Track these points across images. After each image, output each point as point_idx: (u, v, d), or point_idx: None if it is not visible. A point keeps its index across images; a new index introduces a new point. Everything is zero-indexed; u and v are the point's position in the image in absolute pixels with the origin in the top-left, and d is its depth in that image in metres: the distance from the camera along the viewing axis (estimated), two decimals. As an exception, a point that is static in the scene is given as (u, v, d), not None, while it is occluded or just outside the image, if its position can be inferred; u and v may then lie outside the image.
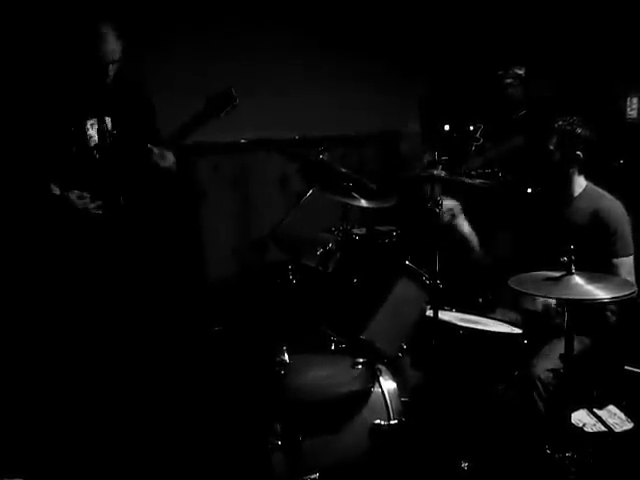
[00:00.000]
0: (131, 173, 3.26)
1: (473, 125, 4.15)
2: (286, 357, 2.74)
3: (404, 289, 2.90)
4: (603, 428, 2.77)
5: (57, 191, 3.18)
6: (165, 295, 3.78)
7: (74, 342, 3.23)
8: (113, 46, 3.15)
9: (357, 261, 3.13)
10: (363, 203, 3.18)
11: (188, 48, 4.55)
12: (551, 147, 3.03)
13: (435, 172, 3.02)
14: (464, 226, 3.31)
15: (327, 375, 2.78)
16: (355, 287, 2.99)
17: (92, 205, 3.19)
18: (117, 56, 3.17)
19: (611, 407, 2.88)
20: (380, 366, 2.81)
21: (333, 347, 3.01)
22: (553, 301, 2.93)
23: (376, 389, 2.74)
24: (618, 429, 2.77)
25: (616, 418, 2.82)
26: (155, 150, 3.22)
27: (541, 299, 2.98)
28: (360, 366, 2.77)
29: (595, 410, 2.84)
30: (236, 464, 2.94)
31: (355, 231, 3.66)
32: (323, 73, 5.21)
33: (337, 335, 3.00)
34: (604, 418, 2.81)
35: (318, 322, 3.10)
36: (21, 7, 3.75)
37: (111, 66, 3.16)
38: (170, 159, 3.28)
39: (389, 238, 3.78)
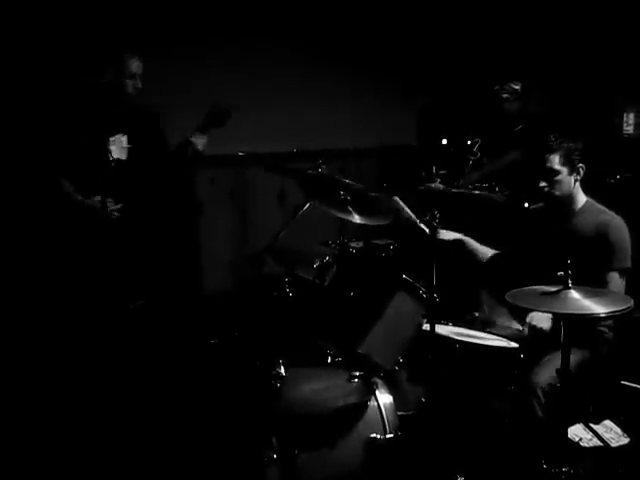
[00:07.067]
0: (143, 182, 3.61)
1: (471, 139, 4.15)
2: (282, 370, 2.74)
3: (401, 303, 2.89)
4: (599, 443, 2.75)
5: (79, 196, 3.48)
6: (162, 307, 3.78)
7: (73, 346, 3.25)
8: (135, 65, 3.54)
9: (354, 274, 3.13)
10: (357, 219, 3.16)
11: (188, 62, 4.58)
12: (556, 167, 3.03)
13: (433, 185, 3.02)
14: (474, 245, 3.34)
15: (323, 388, 2.77)
16: (352, 300, 2.99)
17: (114, 207, 3.47)
18: (137, 71, 3.54)
19: (607, 422, 2.87)
20: (376, 380, 2.80)
21: (329, 360, 3.01)
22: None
23: (372, 403, 2.72)
24: (614, 444, 2.76)
25: (612, 433, 2.82)
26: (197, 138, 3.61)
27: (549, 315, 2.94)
28: (356, 379, 2.76)
29: (591, 425, 2.83)
30: (231, 477, 2.93)
31: (352, 244, 3.65)
32: (322, 87, 5.25)
33: (333, 348, 3.00)
34: (600, 433, 2.80)
35: (314, 335, 3.10)
36: (57, 32, 4.10)
37: (131, 83, 3.52)
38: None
39: (386, 252, 3.78)
